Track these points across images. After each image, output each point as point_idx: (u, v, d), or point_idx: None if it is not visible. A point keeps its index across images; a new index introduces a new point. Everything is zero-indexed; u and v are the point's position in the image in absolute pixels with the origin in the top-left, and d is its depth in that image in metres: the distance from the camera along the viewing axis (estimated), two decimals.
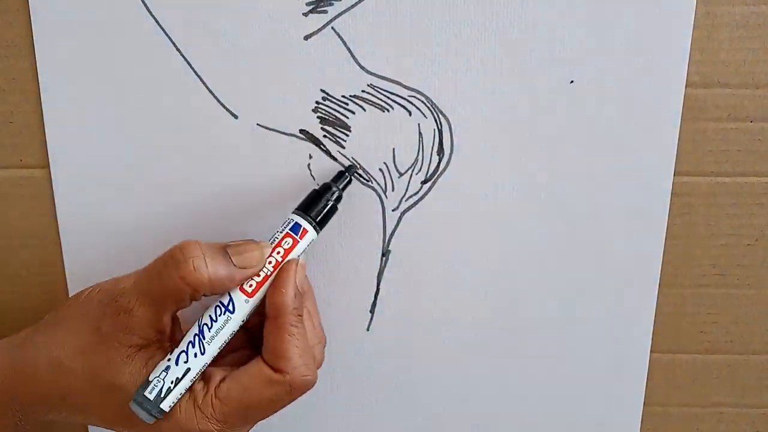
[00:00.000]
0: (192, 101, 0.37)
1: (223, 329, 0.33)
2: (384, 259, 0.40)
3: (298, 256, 0.34)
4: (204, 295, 0.32)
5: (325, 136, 0.38)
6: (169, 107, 0.37)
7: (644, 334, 0.41)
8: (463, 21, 0.36)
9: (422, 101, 0.37)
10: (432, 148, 0.38)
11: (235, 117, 0.37)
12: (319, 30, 0.36)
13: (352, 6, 0.35)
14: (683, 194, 0.39)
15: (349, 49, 0.36)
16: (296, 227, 0.35)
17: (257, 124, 0.37)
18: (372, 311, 0.41)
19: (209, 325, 0.33)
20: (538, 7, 0.35)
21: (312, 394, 0.42)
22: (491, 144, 0.38)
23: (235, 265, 0.33)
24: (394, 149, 0.38)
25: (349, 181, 0.37)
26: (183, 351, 0.32)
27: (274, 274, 0.34)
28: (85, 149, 0.38)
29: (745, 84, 0.37)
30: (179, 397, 0.32)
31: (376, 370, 0.42)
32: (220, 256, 0.32)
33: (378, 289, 0.40)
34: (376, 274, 0.40)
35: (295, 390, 0.33)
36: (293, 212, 0.35)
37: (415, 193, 0.39)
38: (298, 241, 0.34)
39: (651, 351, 0.41)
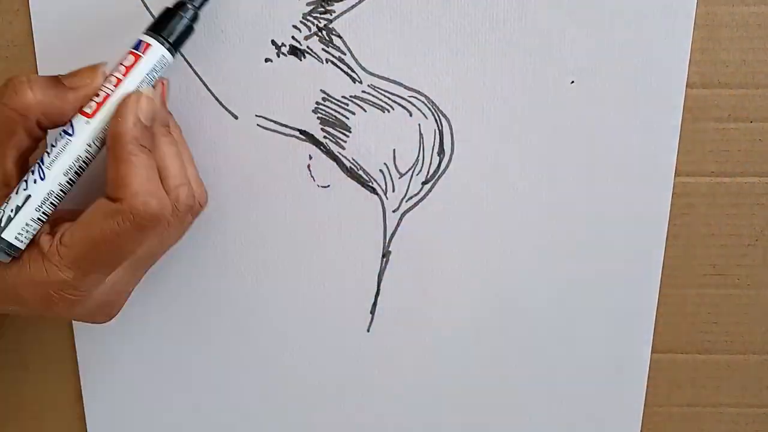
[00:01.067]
0: (192, 101, 0.37)
1: (63, 152, 0.31)
2: (384, 259, 0.40)
3: (150, 78, 0.33)
4: (43, 128, 0.31)
5: (325, 136, 0.38)
6: (170, 107, 0.37)
7: (645, 334, 0.41)
8: (463, 21, 0.36)
9: (423, 102, 0.37)
10: (432, 148, 0.38)
11: (235, 117, 0.37)
12: (320, 30, 0.36)
13: (353, 6, 0.35)
14: (684, 194, 0.39)
15: (349, 50, 0.36)
16: (138, 44, 0.32)
17: (257, 125, 0.37)
18: (372, 312, 0.41)
19: (49, 152, 0.31)
20: (539, 7, 0.35)
21: (312, 394, 0.42)
22: (492, 144, 0.38)
23: (65, 85, 0.31)
24: (394, 150, 0.38)
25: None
26: (24, 180, 0.31)
27: (115, 96, 0.32)
28: None
29: (746, 84, 0.37)
30: (28, 229, 0.31)
31: (376, 371, 0.42)
32: (49, 80, 0.31)
33: (378, 290, 0.40)
34: (377, 275, 0.40)
35: (137, 218, 0.31)
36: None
37: (416, 194, 0.39)
38: (140, 56, 0.32)
39: (651, 351, 0.41)
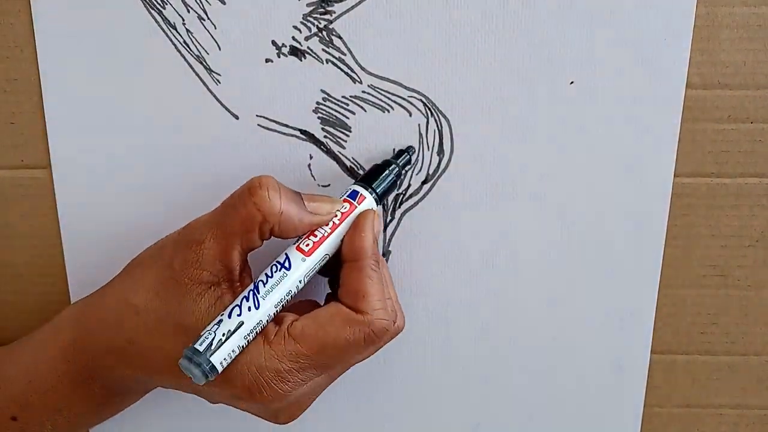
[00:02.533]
0: (193, 102, 0.37)
1: (278, 285, 0.32)
2: (384, 259, 0.40)
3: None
4: (272, 234, 0.32)
5: (325, 136, 0.38)
6: (170, 108, 0.37)
7: (644, 335, 0.41)
8: (463, 22, 0.36)
9: (422, 102, 0.37)
10: (432, 148, 0.38)
11: (236, 117, 0.37)
12: (320, 31, 0.36)
13: (353, 7, 0.35)
14: (683, 195, 0.39)
15: (349, 50, 0.36)
16: (353, 194, 0.35)
17: (258, 125, 0.37)
18: None
19: (264, 281, 0.32)
20: (538, 7, 0.35)
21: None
22: (491, 144, 0.38)
23: (306, 209, 0.33)
24: (394, 149, 0.38)
25: (409, 161, 0.37)
26: (236, 305, 0.31)
27: (330, 239, 0.33)
28: (87, 150, 0.38)
29: (746, 85, 0.37)
30: (232, 354, 0.31)
31: (375, 370, 0.42)
32: (294, 196, 0.33)
33: None
34: None
35: (374, 333, 0.32)
36: (353, 183, 0.36)
37: (415, 193, 0.39)
38: (356, 206, 0.34)
39: (651, 352, 0.41)
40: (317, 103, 0.37)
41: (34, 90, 0.37)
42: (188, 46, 0.36)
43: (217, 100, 0.37)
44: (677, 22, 0.36)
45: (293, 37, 0.36)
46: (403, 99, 0.37)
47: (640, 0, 0.35)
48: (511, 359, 0.42)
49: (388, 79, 0.37)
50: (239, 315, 0.31)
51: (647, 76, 0.36)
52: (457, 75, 0.36)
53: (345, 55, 0.36)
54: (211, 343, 0.30)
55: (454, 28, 0.36)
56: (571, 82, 0.37)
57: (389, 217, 0.39)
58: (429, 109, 0.37)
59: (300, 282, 0.33)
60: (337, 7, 0.36)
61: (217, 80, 0.37)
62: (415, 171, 0.38)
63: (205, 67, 0.37)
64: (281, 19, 0.36)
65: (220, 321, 0.31)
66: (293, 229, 0.33)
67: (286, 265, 0.33)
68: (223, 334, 0.30)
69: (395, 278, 0.40)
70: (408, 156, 0.37)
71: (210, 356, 0.30)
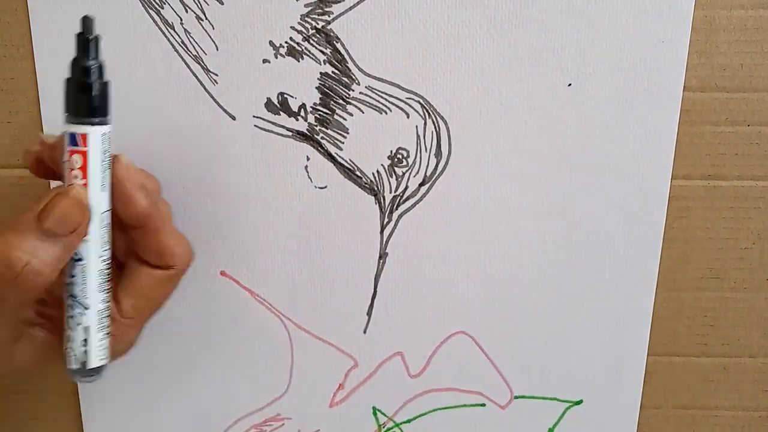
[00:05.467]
0: (190, 102, 0.37)
1: (86, 277, 0.31)
2: (381, 261, 0.40)
3: (104, 159, 0.31)
4: (44, 287, 0.30)
5: (322, 137, 0.38)
6: (168, 108, 0.37)
7: (641, 337, 0.41)
8: (461, 23, 0.36)
9: (420, 103, 0.37)
10: (430, 150, 0.38)
11: (233, 118, 0.37)
12: (318, 32, 0.36)
13: (351, 8, 0.35)
14: (680, 197, 0.39)
15: (347, 51, 0.36)
16: (72, 138, 0.30)
17: (255, 126, 0.37)
18: (369, 314, 0.41)
19: (72, 283, 0.31)
20: (536, 10, 0.35)
21: (313, 399, 0.42)
22: (489, 146, 0.38)
23: (62, 234, 0.29)
24: (391, 151, 0.38)
25: (96, 40, 0.30)
26: (68, 317, 0.32)
27: (91, 191, 0.30)
28: None
29: (743, 88, 0.37)
30: (101, 347, 0.32)
31: (373, 374, 0.42)
32: (46, 240, 0.29)
33: (375, 292, 0.40)
34: (374, 277, 0.40)
35: (185, 270, 0.35)
36: (64, 123, 0.30)
37: (413, 195, 0.39)
38: (86, 150, 0.30)
39: (648, 354, 0.41)
40: (314, 103, 0.37)
41: (30, 89, 0.37)
42: (186, 47, 0.36)
43: (215, 100, 0.37)
44: (675, 25, 0.36)
45: (291, 38, 0.36)
46: (401, 100, 0.37)
47: (637, 3, 0.35)
48: (508, 362, 0.42)
49: (385, 81, 0.37)
50: (80, 324, 0.32)
51: (645, 78, 0.36)
52: (455, 77, 0.36)
53: (342, 56, 0.36)
54: (78, 358, 0.32)
55: (452, 29, 0.36)
56: (569, 85, 0.37)
57: (386, 219, 0.39)
58: (427, 110, 0.37)
59: (101, 257, 0.32)
60: (335, 8, 0.35)
61: (215, 80, 0.37)
62: (413, 173, 0.38)
63: (202, 68, 0.37)
64: (279, 20, 0.36)
65: (69, 337, 0.32)
66: (56, 272, 0.30)
67: (77, 257, 0.31)
68: (81, 344, 0.32)
69: (392, 280, 0.40)
70: (92, 36, 0.30)
71: (88, 367, 0.32)
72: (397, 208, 0.39)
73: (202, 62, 0.36)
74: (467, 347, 0.42)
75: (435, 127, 0.37)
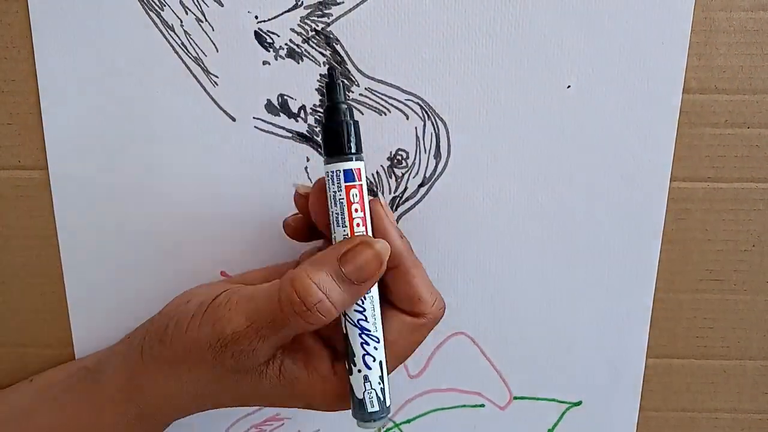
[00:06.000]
0: (190, 103, 0.37)
1: (374, 308, 0.32)
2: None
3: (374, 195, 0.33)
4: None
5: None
6: (168, 109, 0.37)
7: (640, 339, 0.41)
8: (460, 25, 0.36)
9: (419, 105, 0.37)
10: (429, 151, 0.38)
11: (233, 120, 0.37)
12: (317, 34, 0.36)
13: (350, 10, 0.35)
14: (680, 200, 0.39)
15: (347, 53, 0.36)
16: (348, 174, 0.31)
17: (255, 127, 0.37)
18: None
19: (364, 317, 0.32)
20: (536, 12, 0.35)
21: None
22: (488, 148, 0.38)
23: (354, 283, 0.31)
24: (391, 152, 0.38)
25: (344, 84, 0.34)
26: (364, 354, 0.31)
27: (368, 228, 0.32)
28: (83, 151, 0.38)
29: (743, 90, 0.37)
30: (388, 386, 0.32)
31: None
32: (341, 283, 0.30)
33: None
34: None
35: (435, 324, 0.33)
36: (327, 164, 0.31)
37: (412, 196, 0.39)
38: (361, 184, 0.31)
39: (647, 356, 0.41)
40: (314, 105, 0.37)
41: (31, 91, 0.37)
42: (186, 48, 0.36)
43: (215, 101, 0.37)
44: (674, 27, 0.36)
45: (291, 40, 0.36)
46: (400, 102, 0.37)
47: (637, 4, 0.35)
48: (508, 363, 0.42)
49: (385, 82, 0.37)
50: (374, 360, 0.31)
51: (644, 80, 0.36)
52: (454, 78, 0.36)
53: (342, 58, 0.36)
54: (377, 399, 0.32)
55: (451, 31, 0.36)
56: (569, 86, 0.37)
57: None
58: (426, 112, 0.37)
59: (376, 287, 0.32)
60: (335, 10, 0.36)
61: (215, 82, 0.37)
62: (412, 174, 0.38)
63: (202, 69, 0.37)
64: (279, 22, 0.36)
65: (366, 377, 0.31)
66: (337, 315, 0.31)
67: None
68: (378, 383, 0.31)
69: None
70: (340, 80, 0.32)
71: (387, 406, 0.32)
72: (396, 209, 0.39)
73: (202, 64, 0.36)
74: (467, 348, 0.42)
75: (434, 129, 0.37)
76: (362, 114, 0.37)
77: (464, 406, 0.43)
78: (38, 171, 0.38)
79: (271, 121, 0.37)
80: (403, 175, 0.38)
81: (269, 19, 0.36)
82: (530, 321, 0.41)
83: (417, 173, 0.38)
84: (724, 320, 0.41)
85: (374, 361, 0.31)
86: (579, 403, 0.43)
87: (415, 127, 0.37)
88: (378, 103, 0.37)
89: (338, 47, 0.36)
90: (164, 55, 0.36)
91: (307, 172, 0.38)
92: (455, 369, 0.42)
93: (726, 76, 0.37)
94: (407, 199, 0.39)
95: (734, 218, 0.39)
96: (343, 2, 0.35)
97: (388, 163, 0.38)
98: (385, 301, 0.33)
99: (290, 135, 0.38)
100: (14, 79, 0.37)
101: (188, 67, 0.37)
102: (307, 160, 0.38)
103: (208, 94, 0.37)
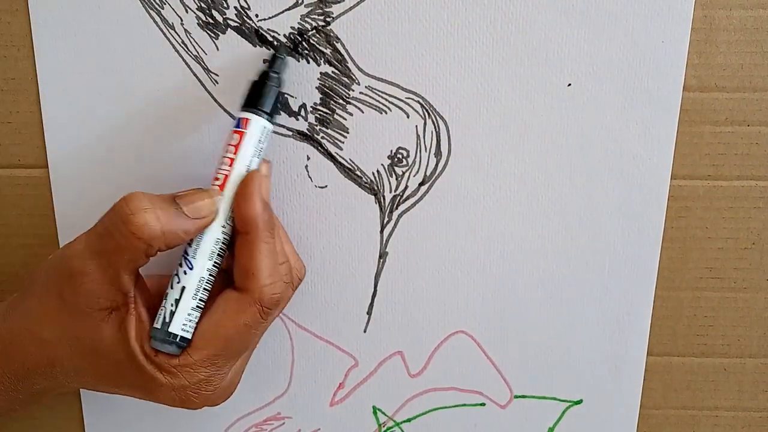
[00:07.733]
0: (191, 102, 0.37)
1: (203, 240, 0.33)
2: (381, 260, 0.40)
3: (258, 150, 0.34)
4: (159, 250, 0.31)
5: (323, 137, 0.38)
6: (168, 108, 0.37)
7: (641, 337, 0.41)
8: (460, 23, 0.36)
9: (420, 103, 0.37)
10: (429, 149, 0.38)
11: (234, 118, 0.37)
12: (318, 32, 0.36)
13: (351, 8, 0.35)
14: (680, 197, 0.39)
15: (347, 51, 0.36)
16: (238, 122, 0.34)
17: None
18: (369, 313, 0.41)
19: (191, 246, 0.33)
20: (536, 10, 0.35)
21: (313, 398, 0.42)
22: (489, 146, 0.38)
23: (187, 215, 0.31)
24: (391, 150, 0.38)
25: (284, 62, 0.35)
26: (174, 275, 0.33)
27: (233, 175, 0.33)
28: (84, 149, 0.38)
29: (743, 87, 0.37)
30: (189, 319, 0.32)
31: (373, 373, 0.42)
32: (169, 207, 0.31)
33: (375, 291, 0.40)
34: (374, 276, 0.40)
35: (266, 308, 0.32)
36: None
37: (413, 195, 0.39)
38: (244, 132, 0.33)
39: (647, 354, 0.41)
40: (314, 103, 0.37)
41: (31, 89, 0.37)
42: (186, 47, 0.36)
43: (215, 100, 0.37)
44: (675, 25, 0.36)
45: (291, 38, 0.36)
46: (401, 100, 0.37)
47: (637, 3, 0.35)
48: (507, 361, 0.42)
49: (385, 81, 0.37)
50: (179, 282, 0.32)
51: (645, 78, 0.36)
52: (455, 77, 0.37)
53: (343, 56, 0.36)
54: (164, 317, 0.32)
55: (452, 29, 0.36)
56: (569, 85, 0.37)
57: (386, 219, 0.39)
58: (426, 110, 0.37)
59: (224, 227, 0.33)
60: (335, 9, 0.36)
61: (215, 80, 0.37)
62: (413, 173, 0.38)
63: (203, 68, 0.37)
64: (279, 20, 0.36)
65: (166, 295, 0.33)
66: (180, 241, 0.32)
67: None
68: (172, 304, 0.32)
69: (392, 281, 0.40)
70: (282, 59, 0.35)
71: (169, 328, 0.32)
72: (397, 208, 0.39)
73: (203, 62, 0.36)
74: (467, 346, 0.42)
75: (435, 127, 0.37)
76: (362, 112, 0.37)
77: (465, 404, 0.43)
78: (38, 169, 0.38)
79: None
80: (403, 173, 0.38)
81: (270, 17, 0.36)
82: (530, 319, 0.41)
83: (417, 172, 0.38)
84: (725, 318, 0.41)
85: (178, 282, 0.32)
86: (580, 402, 0.43)
87: (416, 126, 0.37)
88: (378, 101, 0.37)
89: (338, 45, 0.36)
90: (165, 53, 0.36)
91: (308, 171, 0.38)
92: (456, 368, 0.42)
93: (726, 74, 0.37)
94: (408, 198, 0.39)
95: (734, 216, 0.39)
96: (343, 0, 0.35)
97: (389, 161, 0.38)
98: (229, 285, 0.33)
99: (290, 133, 0.38)
100: (14, 78, 0.37)
101: (189, 66, 0.37)
102: (308, 158, 0.38)
103: (209, 92, 0.37)
